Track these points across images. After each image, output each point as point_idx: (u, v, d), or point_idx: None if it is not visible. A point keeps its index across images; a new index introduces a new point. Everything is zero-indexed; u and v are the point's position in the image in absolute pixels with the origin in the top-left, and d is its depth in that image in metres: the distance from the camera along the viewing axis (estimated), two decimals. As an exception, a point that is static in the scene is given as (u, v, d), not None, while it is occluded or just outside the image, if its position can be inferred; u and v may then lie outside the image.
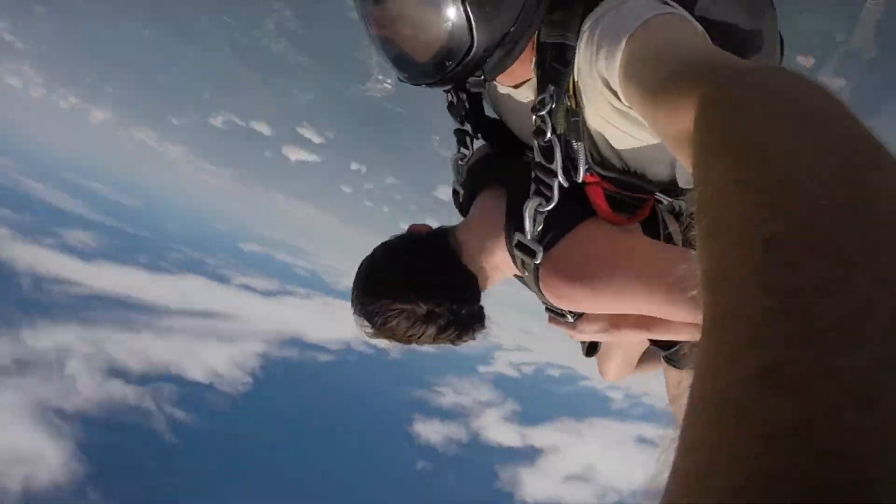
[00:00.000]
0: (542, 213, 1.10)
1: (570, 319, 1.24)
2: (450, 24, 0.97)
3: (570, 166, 1.08)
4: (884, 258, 0.28)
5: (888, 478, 0.21)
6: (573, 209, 1.12)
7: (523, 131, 1.26)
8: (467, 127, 1.29)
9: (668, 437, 0.29)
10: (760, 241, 0.31)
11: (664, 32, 0.86)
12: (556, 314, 1.26)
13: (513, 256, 1.16)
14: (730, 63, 0.66)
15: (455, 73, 1.03)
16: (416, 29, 1.00)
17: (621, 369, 1.46)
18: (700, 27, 0.93)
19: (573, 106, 1.05)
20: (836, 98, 0.42)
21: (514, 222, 1.14)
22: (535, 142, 1.09)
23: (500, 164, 1.31)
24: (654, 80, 0.77)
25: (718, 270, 0.33)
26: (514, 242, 1.13)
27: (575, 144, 1.06)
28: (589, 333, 1.23)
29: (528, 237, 1.11)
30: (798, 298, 0.27)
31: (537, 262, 1.11)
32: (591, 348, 1.41)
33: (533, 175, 1.11)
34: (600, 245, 1.09)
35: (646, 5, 0.92)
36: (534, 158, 1.10)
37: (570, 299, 1.13)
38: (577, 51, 1.00)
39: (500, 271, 1.26)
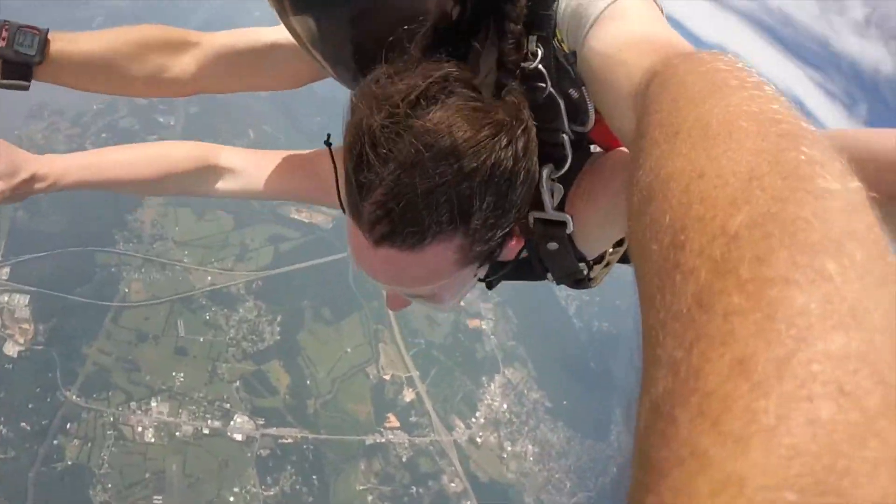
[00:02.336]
0: (555, 178, 0.99)
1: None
2: None
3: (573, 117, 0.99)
4: (850, 244, 0.28)
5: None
6: (577, 158, 1.02)
7: None
8: None
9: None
10: (727, 235, 0.31)
11: (639, 3, 0.88)
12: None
13: (537, 235, 1.05)
14: (683, 46, 0.73)
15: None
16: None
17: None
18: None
19: (566, 50, 0.96)
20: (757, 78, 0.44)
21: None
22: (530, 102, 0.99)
23: None
24: (623, 37, 0.80)
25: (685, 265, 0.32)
26: (534, 221, 1.02)
27: (575, 93, 0.96)
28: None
29: (551, 209, 0.99)
30: (768, 290, 0.27)
31: (569, 230, 1.01)
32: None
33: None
34: (614, 178, 1.04)
35: None
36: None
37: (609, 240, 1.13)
38: None
39: None
